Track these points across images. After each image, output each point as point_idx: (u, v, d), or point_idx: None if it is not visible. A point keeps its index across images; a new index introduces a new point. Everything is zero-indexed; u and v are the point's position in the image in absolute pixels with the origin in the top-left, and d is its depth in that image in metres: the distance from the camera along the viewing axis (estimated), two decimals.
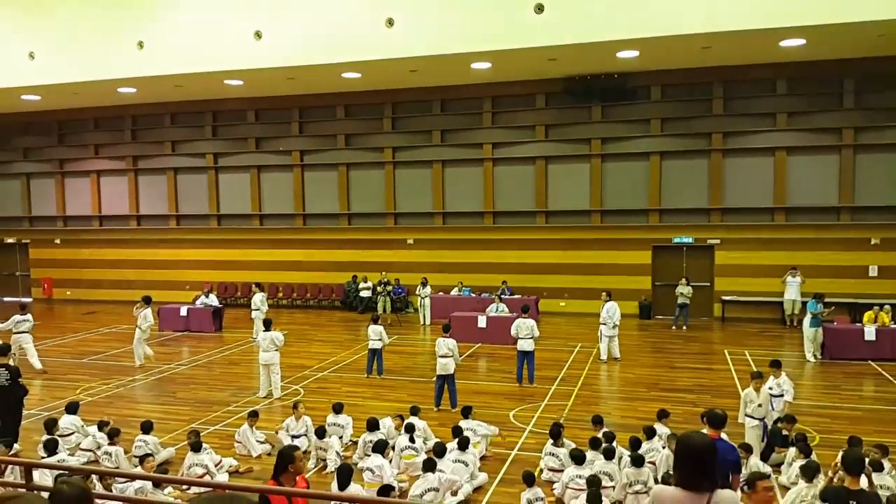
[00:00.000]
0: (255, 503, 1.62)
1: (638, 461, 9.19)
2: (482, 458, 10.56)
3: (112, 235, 28.19)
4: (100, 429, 11.19)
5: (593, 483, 8.55)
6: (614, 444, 9.98)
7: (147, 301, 17.74)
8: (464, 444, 9.97)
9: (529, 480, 8.93)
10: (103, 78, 21.35)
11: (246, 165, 26.46)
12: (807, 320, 17.18)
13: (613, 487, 9.13)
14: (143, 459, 9.53)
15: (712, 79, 21.59)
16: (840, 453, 8.86)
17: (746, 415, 10.41)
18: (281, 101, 25.30)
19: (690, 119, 22.19)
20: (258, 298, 20.18)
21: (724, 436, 7.56)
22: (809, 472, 8.40)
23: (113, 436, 10.54)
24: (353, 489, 8.30)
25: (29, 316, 17.12)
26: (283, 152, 26.01)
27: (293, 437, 11.31)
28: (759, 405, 10.32)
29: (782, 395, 11.86)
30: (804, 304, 20.02)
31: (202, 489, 9.38)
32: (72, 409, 11.79)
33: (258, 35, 19.45)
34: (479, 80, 22.45)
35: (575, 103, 22.82)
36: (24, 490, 5.24)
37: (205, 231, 27.03)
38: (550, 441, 10.30)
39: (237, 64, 20.10)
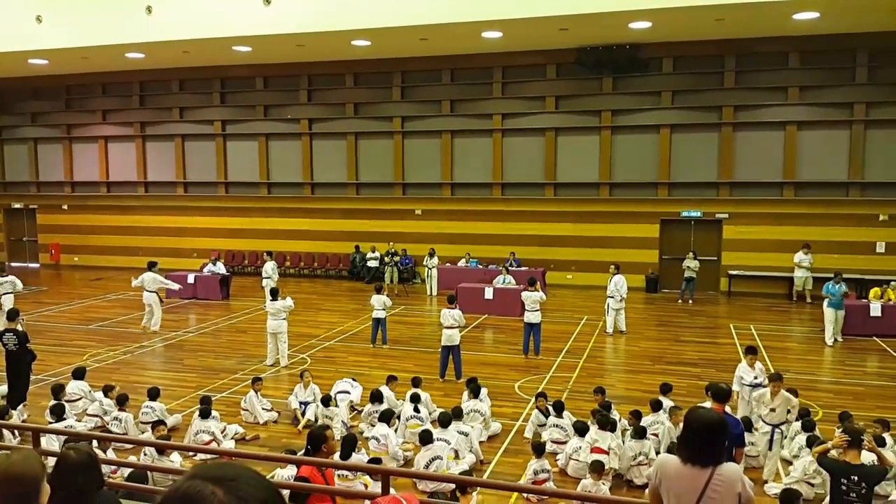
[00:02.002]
0: (256, 471, 1.61)
1: (640, 433, 9.24)
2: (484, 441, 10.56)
3: (119, 202, 28.22)
4: (105, 394, 11.29)
5: (596, 469, 8.53)
6: (613, 412, 10.09)
7: (150, 266, 17.76)
8: (459, 414, 10.05)
9: (539, 451, 9.00)
10: (111, 43, 21.22)
11: (254, 133, 26.37)
12: (828, 302, 16.20)
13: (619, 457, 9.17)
14: (154, 426, 9.63)
15: (724, 51, 21.34)
16: (837, 429, 8.92)
17: (761, 417, 9.40)
18: (289, 68, 25.14)
19: (701, 92, 21.97)
20: (269, 267, 20.28)
21: (727, 409, 7.58)
22: (812, 441, 8.44)
23: (122, 402, 10.63)
24: (355, 459, 8.36)
25: (11, 277, 17.10)
26: (292, 120, 25.90)
27: (301, 403, 11.43)
28: (774, 409, 9.29)
29: (761, 385, 10.43)
30: (815, 280, 19.82)
31: (208, 456, 9.49)
32: (79, 374, 11.89)
33: (267, 0, 19.27)
34: (489, 49, 22.24)
35: (586, 74, 22.61)
36: (22, 447, 5.29)
37: (212, 199, 27.02)
38: (553, 413, 10.37)
39: (245, 30, 19.95)
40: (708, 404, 7.15)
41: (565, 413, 10.43)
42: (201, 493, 1.56)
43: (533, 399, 11.00)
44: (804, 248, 20.32)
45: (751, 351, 11.08)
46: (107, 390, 11.35)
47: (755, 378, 10.62)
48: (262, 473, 1.67)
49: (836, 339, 16.15)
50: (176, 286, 18.87)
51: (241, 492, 1.57)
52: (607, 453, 8.95)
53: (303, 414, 11.24)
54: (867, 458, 7.71)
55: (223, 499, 1.55)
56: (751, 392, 10.37)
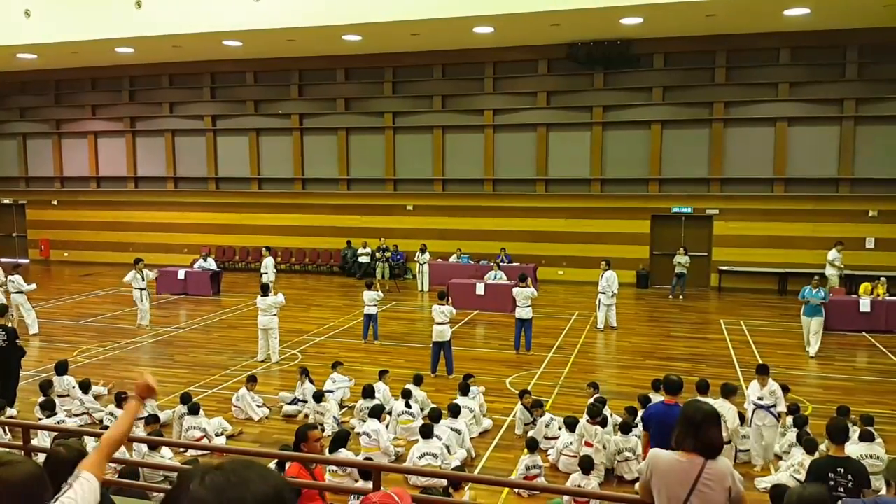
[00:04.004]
0: (270, 485, 1.58)
1: (625, 428, 9.26)
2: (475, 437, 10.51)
3: (109, 197, 28.08)
4: (84, 391, 11.25)
5: (585, 466, 8.52)
6: (606, 409, 10.09)
7: (135, 263, 17.70)
8: (455, 412, 10.05)
9: (533, 446, 9.02)
10: (100, 37, 21.11)
11: (244, 128, 26.28)
12: (810, 311, 14.82)
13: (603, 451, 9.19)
14: (148, 421, 9.58)
15: (715, 47, 21.38)
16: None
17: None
18: (280, 63, 25.05)
19: (693, 88, 22.01)
20: (269, 263, 20.38)
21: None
22: (810, 446, 8.47)
23: (120, 399, 10.54)
24: (343, 454, 8.35)
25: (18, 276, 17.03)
26: (282, 115, 25.82)
27: (295, 399, 11.45)
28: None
29: (774, 405, 9.58)
30: (843, 277, 19.06)
31: (199, 452, 9.48)
32: (61, 369, 11.67)
33: None
34: (481, 44, 22.22)
35: (577, 70, 22.62)
36: (20, 453, 5.27)
37: (203, 194, 26.91)
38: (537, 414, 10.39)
39: (236, 25, 19.86)
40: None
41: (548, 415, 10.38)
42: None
43: (519, 397, 10.93)
44: (837, 246, 19.20)
45: (761, 370, 9.77)
46: (85, 387, 11.30)
47: (760, 399, 9.51)
48: (280, 485, 1.60)
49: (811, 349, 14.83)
50: (152, 274, 18.55)
51: None
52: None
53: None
54: (854, 451, 7.77)
55: None
56: (753, 412, 9.51)
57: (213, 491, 1.51)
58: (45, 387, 10.71)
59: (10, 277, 16.86)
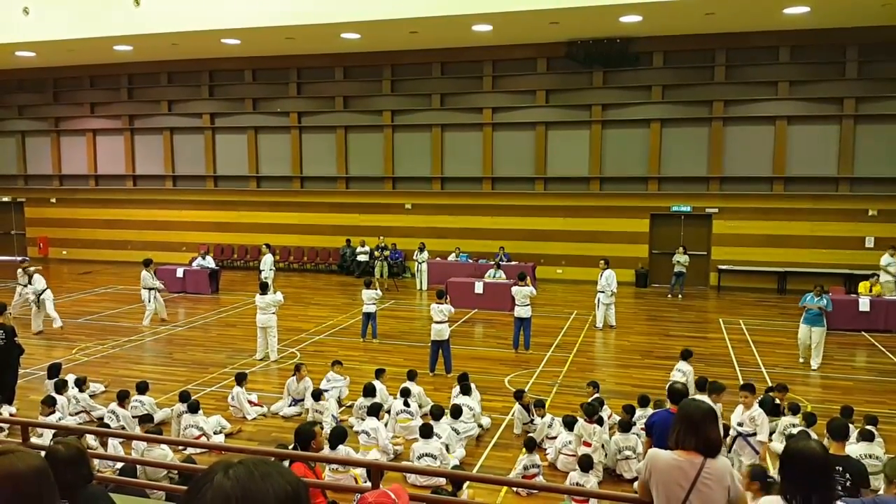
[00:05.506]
0: (289, 469, 1.61)
1: (625, 427, 9.26)
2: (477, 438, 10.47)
3: (108, 195, 28.05)
4: (79, 388, 11.25)
5: (584, 465, 8.52)
6: (605, 409, 10.08)
7: (146, 264, 17.70)
8: (456, 413, 10.03)
9: (531, 446, 9.01)
10: (99, 35, 21.08)
11: (243, 126, 26.24)
12: (809, 319, 14.04)
13: (605, 453, 9.19)
14: (142, 420, 9.58)
15: (715, 46, 21.37)
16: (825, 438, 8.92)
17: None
18: (279, 61, 25.02)
19: (692, 86, 22.00)
20: (268, 260, 20.40)
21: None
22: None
23: (123, 398, 10.54)
24: (342, 452, 8.34)
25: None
26: (281, 113, 25.79)
27: (294, 401, 11.41)
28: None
29: (754, 434, 8.63)
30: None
31: (197, 450, 9.47)
32: (54, 372, 11.61)
33: None
34: (480, 42, 22.20)
35: (576, 68, 22.61)
36: (19, 445, 5.25)
37: (201, 192, 26.88)
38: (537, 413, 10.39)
39: (235, 22, 19.84)
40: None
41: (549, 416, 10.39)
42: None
43: (515, 398, 10.87)
44: (890, 249, 18.51)
45: (746, 388, 8.96)
46: (80, 383, 11.31)
47: (739, 424, 8.71)
48: (299, 484, 1.61)
49: (805, 360, 14.08)
50: (160, 284, 18.45)
51: None
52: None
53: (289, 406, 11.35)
54: (854, 451, 7.76)
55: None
56: (734, 440, 8.71)
57: (238, 483, 1.55)
58: (60, 386, 10.75)
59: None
